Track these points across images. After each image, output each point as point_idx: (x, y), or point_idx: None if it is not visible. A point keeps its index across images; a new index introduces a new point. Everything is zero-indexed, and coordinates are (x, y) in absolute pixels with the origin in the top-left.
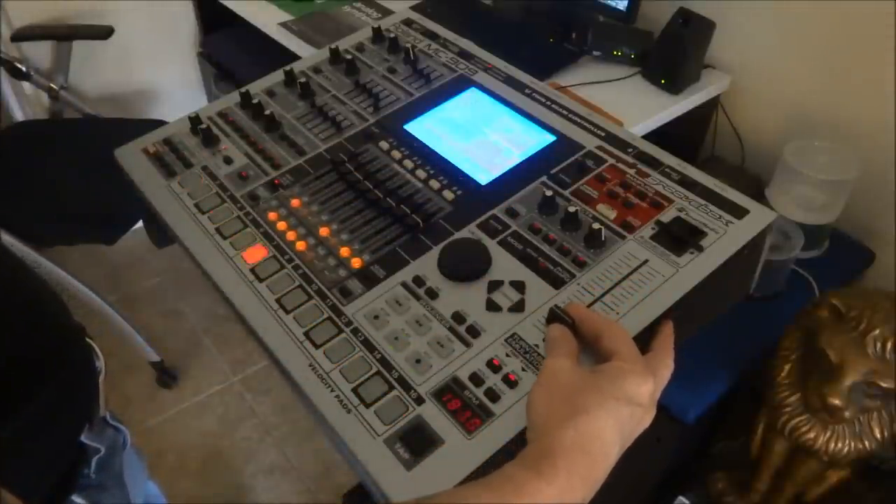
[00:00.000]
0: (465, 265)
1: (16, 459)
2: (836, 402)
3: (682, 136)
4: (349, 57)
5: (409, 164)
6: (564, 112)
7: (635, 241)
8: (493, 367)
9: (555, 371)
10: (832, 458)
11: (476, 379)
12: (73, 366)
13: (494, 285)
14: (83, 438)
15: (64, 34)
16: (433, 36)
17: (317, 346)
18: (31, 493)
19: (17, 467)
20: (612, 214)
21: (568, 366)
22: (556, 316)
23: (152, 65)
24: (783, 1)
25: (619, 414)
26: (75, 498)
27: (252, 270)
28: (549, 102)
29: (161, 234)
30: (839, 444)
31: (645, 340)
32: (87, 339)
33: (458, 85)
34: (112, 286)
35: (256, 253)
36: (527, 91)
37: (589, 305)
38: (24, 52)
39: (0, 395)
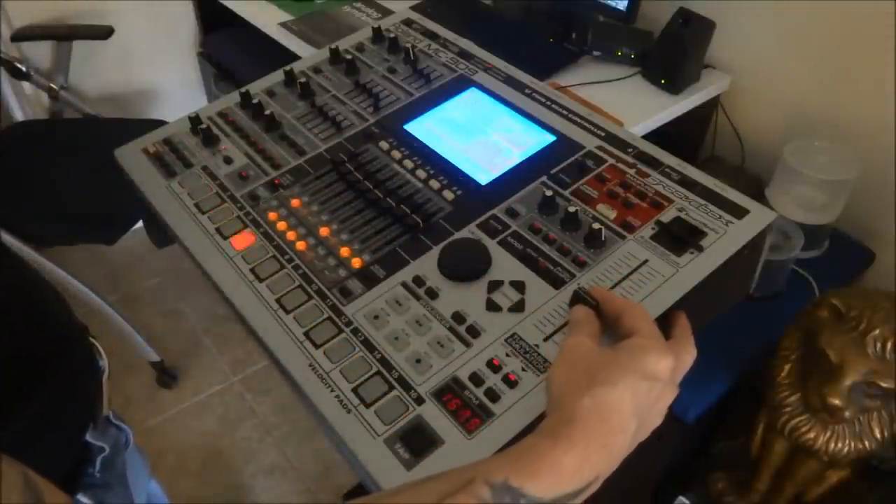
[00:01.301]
0: (465, 265)
1: (19, 459)
2: (836, 402)
3: (682, 136)
4: (349, 57)
5: (409, 164)
6: (564, 112)
7: (635, 241)
8: (493, 367)
9: (575, 347)
10: (832, 458)
11: (476, 379)
12: (76, 365)
13: (494, 285)
14: (88, 437)
15: (64, 34)
16: (433, 36)
17: (317, 346)
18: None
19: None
20: (612, 214)
21: (588, 342)
22: (580, 298)
23: (152, 65)
24: (783, 1)
25: (637, 388)
26: (80, 497)
27: (252, 270)
28: (549, 102)
29: (161, 234)
30: (839, 444)
31: None
32: (91, 339)
33: (458, 85)
34: (112, 286)
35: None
36: (527, 91)
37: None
38: (24, 52)
39: (3, 393)
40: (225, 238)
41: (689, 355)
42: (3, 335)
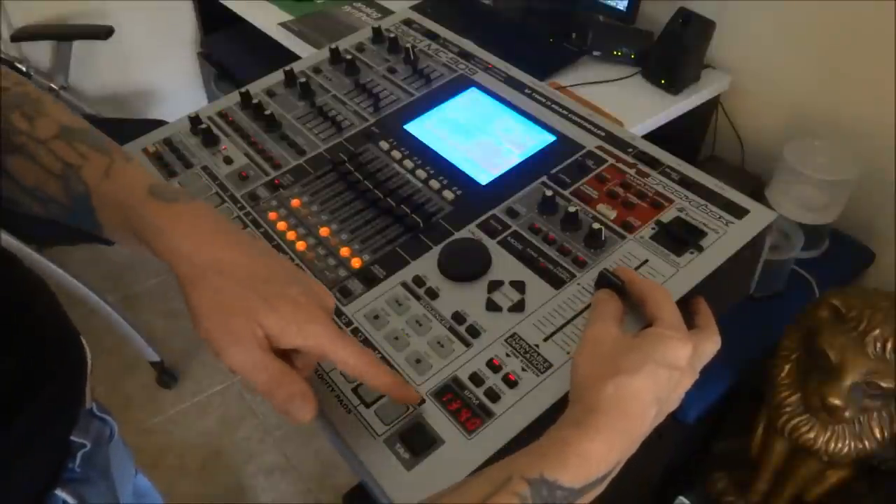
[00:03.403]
0: (465, 265)
1: (12, 466)
2: (836, 402)
3: (682, 136)
4: (349, 57)
5: (409, 164)
6: (564, 112)
7: (635, 241)
8: (493, 367)
9: (598, 335)
10: (832, 458)
11: (476, 379)
12: (70, 367)
13: (494, 285)
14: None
15: (64, 34)
16: (433, 36)
17: None
18: (20, 492)
19: (12, 476)
20: (612, 214)
21: (610, 330)
22: (605, 279)
23: (152, 65)
24: (783, 0)
25: (656, 377)
26: (59, 492)
27: None
28: (549, 102)
29: None
30: (839, 444)
31: None
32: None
33: (458, 85)
34: (112, 286)
35: None
36: (527, 91)
37: (589, 306)
38: (24, 52)
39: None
40: None
41: (712, 344)
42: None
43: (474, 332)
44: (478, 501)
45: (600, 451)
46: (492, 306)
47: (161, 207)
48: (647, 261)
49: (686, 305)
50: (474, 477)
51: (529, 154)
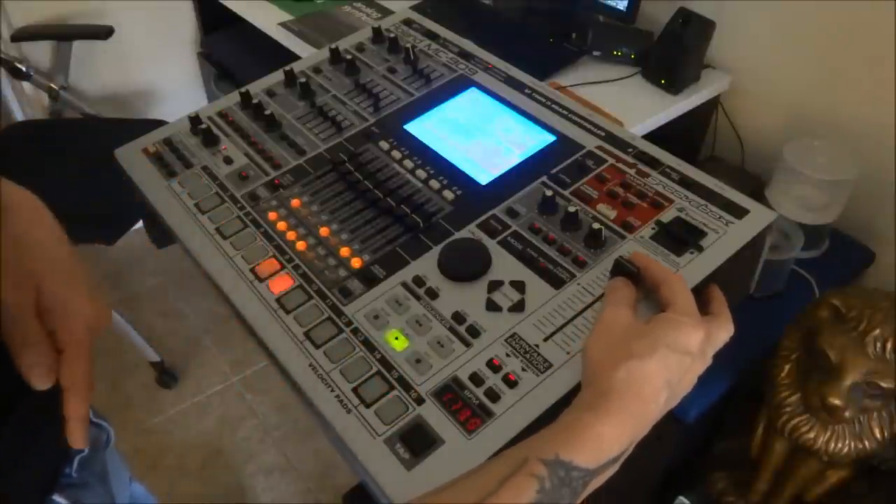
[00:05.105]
0: (465, 265)
1: (5, 474)
2: (836, 402)
3: (682, 136)
4: (349, 57)
5: (409, 164)
6: (564, 112)
7: (635, 241)
8: (493, 367)
9: (611, 320)
10: (832, 458)
11: (476, 379)
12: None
13: (494, 285)
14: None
15: (64, 34)
16: (433, 36)
17: (317, 346)
18: (17, 497)
19: (8, 481)
20: (612, 214)
21: (623, 315)
22: (620, 267)
23: (152, 65)
24: (783, 0)
25: (667, 361)
26: (56, 498)
27: (252, 270)
28: (549, 102)
29: (161, 234)
30: (839, 444)
31: None
32: None
33: (458, 85)
34: (112, 286)
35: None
36: (527, 91)
37: (589, 306)
38: (24, 52)
39: None
40: (225, 238)
41: (725, 331)
42: None
43: (474, 332)
44: (495, 483)
45: (613, 433)
46: (492, 306)
47: None
48: None
49: (700, 294)
50: (491, 460)
51: (529, 154)
